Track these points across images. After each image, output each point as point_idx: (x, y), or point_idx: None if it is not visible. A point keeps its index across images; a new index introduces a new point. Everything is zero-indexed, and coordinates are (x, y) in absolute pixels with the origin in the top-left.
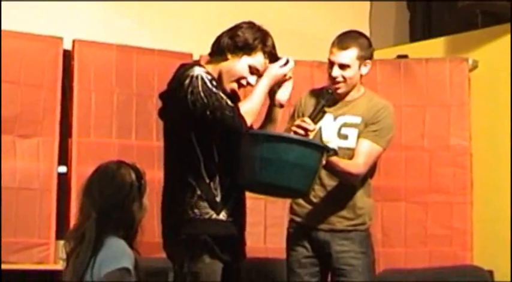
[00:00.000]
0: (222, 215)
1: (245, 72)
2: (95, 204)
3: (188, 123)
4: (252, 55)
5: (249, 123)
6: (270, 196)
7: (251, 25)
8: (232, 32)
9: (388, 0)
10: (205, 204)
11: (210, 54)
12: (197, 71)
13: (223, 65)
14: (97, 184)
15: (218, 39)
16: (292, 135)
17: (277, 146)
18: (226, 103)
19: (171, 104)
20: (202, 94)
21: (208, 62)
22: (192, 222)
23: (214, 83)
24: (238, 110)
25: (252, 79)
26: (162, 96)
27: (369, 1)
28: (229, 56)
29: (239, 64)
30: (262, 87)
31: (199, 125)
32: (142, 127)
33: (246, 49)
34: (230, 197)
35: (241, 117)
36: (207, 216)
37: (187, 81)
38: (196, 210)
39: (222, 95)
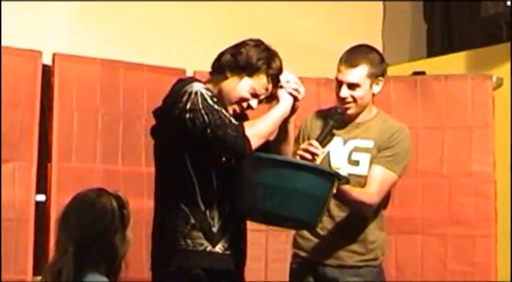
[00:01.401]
0: (219, 248)
1: (246, 94)
2: (72, 236)
3: (184, 143)
4: (254, 77)
5: (254, 146)
6: (274, 226)
7: (258, 43)
8: (236, 49)
9: (404, 2)
10: (199, 234)
11: (210, 72)
12: (196, 86)
13: (223, 85)
14: (74, 214)
15: (220, 56)
16: (301, 161)
17: (284, 172)
18: (230, 121)
19: (165, 122)
20: (202, 111)
21: (208, 81)
22: (184, 254)
23: (215, 99)
24: (243, 129)
25: (254, 102)
26: (155, 113)
27: (382, 12)
28: (228, 75)
29: (239, 85)
30: (279, 110)
31: (197, 146)
32: (130, 151)
33: (248, 69)
34: (228, 227)
35: (245, 138)
36: (201, 248)
37: (185, 97)
38: (189, 241)
39: (225, 112)
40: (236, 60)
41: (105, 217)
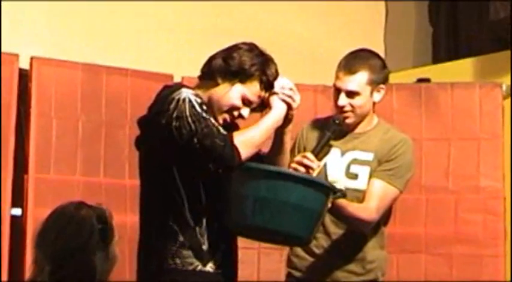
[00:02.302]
0: (210, 266)
1: (237, 101)
2: (48, 253)
3: (171, 154)
4: (247, 84)
5: (244, 156)
6: (264, 242)
7: (251, 47)
8: (227, 53)
9: (407, 4)
10: (189, 252)
11: (199, 77)
12: (184, 93)
13: (213, 92)
14: (51, 229)
15: (210, 60)
16: (293, 172)
17: (276, 184)
18: (218, 130)
19: (151, 132)
20: (189, 119)
21: (197, 86)
22: (173, 274)
23: (204, 107)
24: (231, 139)
25: (245, 111)
26: (140, 122)
27: (384, 14)
28: (219, 81)
29: (231, 92)
30: (271, 118)
31: (184, 157)
32: (113, 162)
33: (241, 76)
34: (219, 244)
35: (234, 148)
36: (190, 267)
37: (172, 105)
38: (177, 260)
39: (213, 121)
40: (228, 65)
41: (83, 233)
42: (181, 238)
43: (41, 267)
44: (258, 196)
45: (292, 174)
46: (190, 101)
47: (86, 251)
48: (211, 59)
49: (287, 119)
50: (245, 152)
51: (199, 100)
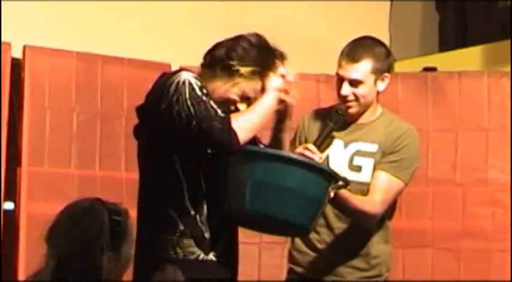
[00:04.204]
0: (212, 255)
1: (235, 96)
2: (54, 248)
3: (170, 141)
4: (248, 79)
5: (242, 140)
6: (262, 232)
7: (258, 41)
8: (231, 45)
9: (413, 0)
10: (190, 241)
11: (202, 65)
12: (184, 75)
13: (210, 83)
14: (61, 225)
15: (214, 49)
16: (294, 155)
17: (275, 167)
18: (216, 113)
19: (149, 120)
20: (189, 102)
21: (198, 74)
22: (174, 264)
23: (204, 90)
24: (230, 123)
25: (242, 106)
26: (139, 110)
27: (389, 1)
28: (218, 73)
29: (228, 86)
30: (266, 101)
31: (183, 142)
32: (109, 154)
33: (242, 72)
34: (221, 233)
35: (232, 132)
36: (192, 257)
37: (172, 88)
38: (178, 249)
39: (213, 104)
40: (229, 59)
41: (93, 230)
42: (181, 227)
43: (47, 261)
44: (256, 180)
45: (292, 157)
46: (190, 83)
47: (94, 249)
48: (215, 47)
49: (285, 115)
50: (243, 136)
51: (199, 83)
